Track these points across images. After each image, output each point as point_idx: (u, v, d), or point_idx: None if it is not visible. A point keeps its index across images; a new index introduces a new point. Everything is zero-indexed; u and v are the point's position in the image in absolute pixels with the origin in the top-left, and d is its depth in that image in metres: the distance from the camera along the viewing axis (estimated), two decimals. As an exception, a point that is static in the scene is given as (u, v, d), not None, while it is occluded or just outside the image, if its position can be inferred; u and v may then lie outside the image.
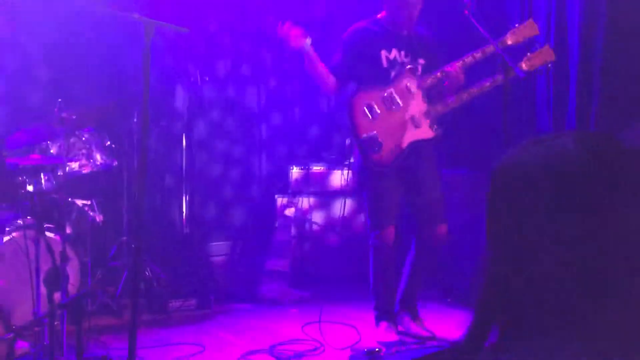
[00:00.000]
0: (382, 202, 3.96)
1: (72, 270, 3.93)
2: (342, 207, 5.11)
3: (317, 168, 5.56)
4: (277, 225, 5.38)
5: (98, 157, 4.36)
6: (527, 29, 3.85)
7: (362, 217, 5.33)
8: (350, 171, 4.17)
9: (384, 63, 3.93)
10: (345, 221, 5.42)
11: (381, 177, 3.93)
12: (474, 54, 3.87)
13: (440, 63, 4.00)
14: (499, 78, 3.77)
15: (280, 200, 5.50)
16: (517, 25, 3.88)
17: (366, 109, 3.89)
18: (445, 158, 4.20)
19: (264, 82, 6.20)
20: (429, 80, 3.92)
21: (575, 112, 4.59)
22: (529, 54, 3.85)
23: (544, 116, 4.83)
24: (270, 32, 6.02)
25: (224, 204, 6.07)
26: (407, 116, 3.92)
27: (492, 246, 1.01)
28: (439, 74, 3.91)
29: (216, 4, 5.89)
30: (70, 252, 3.81)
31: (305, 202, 5.42)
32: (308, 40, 3.89)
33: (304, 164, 5.61)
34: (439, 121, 3.96)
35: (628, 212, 0.91)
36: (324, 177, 5.53)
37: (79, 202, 4.28)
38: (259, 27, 6.09)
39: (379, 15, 4.01)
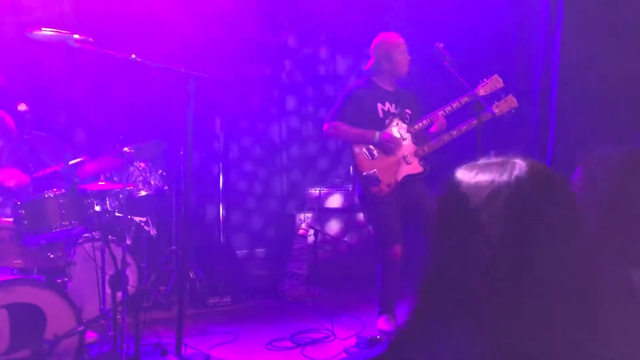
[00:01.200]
0: (386, 226, 3.90)
1: (132, 273, 3.96)
2: (348, 221, 5.10)
3: (327, 190, 5.55)
4: (296, 235, 5.32)
5: (152, 182, 4.37)
6: (493, 83, 3.90)
7: (365, 230, 5.30)
8: (356, 194, 4.14)
9: (380, 114, 3.95)
10: (351, 232, 5.38)
11: (382, 205, 3.88)
12: (452, 104, 3.89)
13: (421, 110, 4.04)
14: (474, 122, 3.80)
15: (298, 216, 5.48)
16: (484, 80, 3.90)
17: (366, 152, 3.90)
18: (429, 180, 4.17)
19: (286, 121, 6.23)
20: (417, 127, 3.96)
21: (537, 142, 4.60)
22: (496, 102, 3.89)
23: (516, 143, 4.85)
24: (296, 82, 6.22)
25: (252, 218, 6.04)
26: (400, 156, 3.92)
27: (435, 245, 0.98)
28: (426, 121, 3.93)
29: (253, 59, 5.96)
30: (129, 259, 3.81)
31: (318, 217, 5.39)
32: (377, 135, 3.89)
33: (318, 187, 5.60)
34: (425, 158, 3.97)
35: (553, 240, 0.89)
36: (333, 197, 5.52)
37: (137, 219, 4.25)
38: (284, 78, 6.17)
39: (371, 77, 4.03)
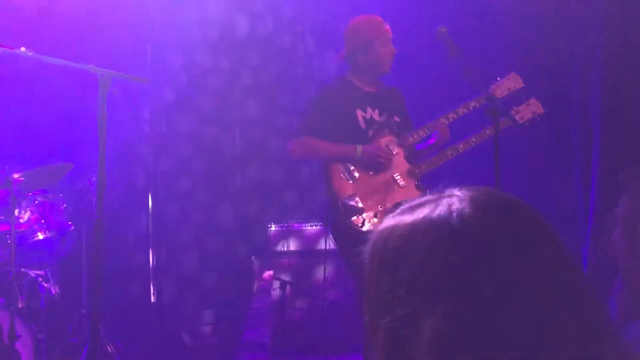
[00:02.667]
0: None
1: (24, 348, 3.78)
2: (324, 269, 4.92)
3: (296, 227, 5.22)
4: (255, 289, 5.04)
5: (52, 221, 4.14)
6: (511, 82, 3.77)
7: (345, 278, 4.92)
8: (329, 234, 4.08)
9: (362, 123, 3.75)
10: (328, 284, 4.99)
11: (365, 243, 3.64)
12: (458, 110, 3.71)
13: (409, 117, 3.90)
14: (486, 132, 3.62)
15: (258, 262, 5.15)
16: (499, 78, 3.76)
17: (344, 171, 3.69)
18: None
19: (245, 131, 5.98)
20: (412, 139, 3.76)
21: (578, 160, 4.64)
22: (515, 107, 3.75)
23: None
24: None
25: (195, 265, 5.73)
26: (390, 176, 3.72)
27: (370, 314, 1.05)
28: (423, 131, 3.76)
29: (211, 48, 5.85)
30: (21, 329, 3.70)
31: (285, 263, 5.05)
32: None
33: (283, 223, 5.27)
34: (423, 180, 3.75)
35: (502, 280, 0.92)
36: (304, 236, 5.21)
37: (32, 272, 4.07)
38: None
39: (346, 75, 3.86)
